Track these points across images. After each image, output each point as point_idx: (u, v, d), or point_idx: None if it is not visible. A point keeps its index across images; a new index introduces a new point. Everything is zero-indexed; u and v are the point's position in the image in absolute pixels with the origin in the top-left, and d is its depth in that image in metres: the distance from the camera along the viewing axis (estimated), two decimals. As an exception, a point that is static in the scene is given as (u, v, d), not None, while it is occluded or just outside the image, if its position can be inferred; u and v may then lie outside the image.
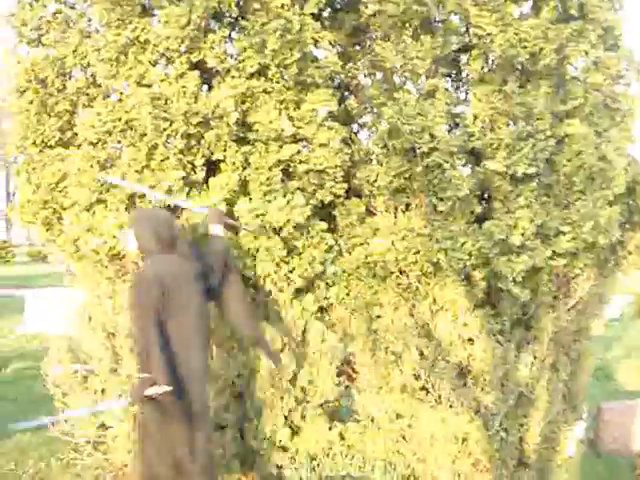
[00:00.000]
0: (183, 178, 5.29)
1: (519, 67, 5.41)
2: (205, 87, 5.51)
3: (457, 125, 5.55)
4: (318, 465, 5.59)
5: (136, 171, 5.29)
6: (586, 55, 5.52)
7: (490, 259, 5.34)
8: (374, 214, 5.69)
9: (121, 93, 5.49)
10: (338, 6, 5.91)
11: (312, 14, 5.42)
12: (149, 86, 5.33)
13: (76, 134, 5.59)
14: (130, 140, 5.33)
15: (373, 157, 5.69)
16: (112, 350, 5.68)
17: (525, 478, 5.76)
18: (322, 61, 5.53)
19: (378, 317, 5.72)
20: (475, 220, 5.45)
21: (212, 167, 5.47)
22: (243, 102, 5.34)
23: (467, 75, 5.68)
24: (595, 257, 5.78)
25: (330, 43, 5.65)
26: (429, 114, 5.23)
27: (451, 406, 5.53)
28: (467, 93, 5.75)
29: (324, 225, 5.68)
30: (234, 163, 5.38)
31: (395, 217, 5.59)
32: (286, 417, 5.63)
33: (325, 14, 5.87)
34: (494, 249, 5.30)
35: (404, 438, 5.67)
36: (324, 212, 5.77)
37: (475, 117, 5.43)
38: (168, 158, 5.28)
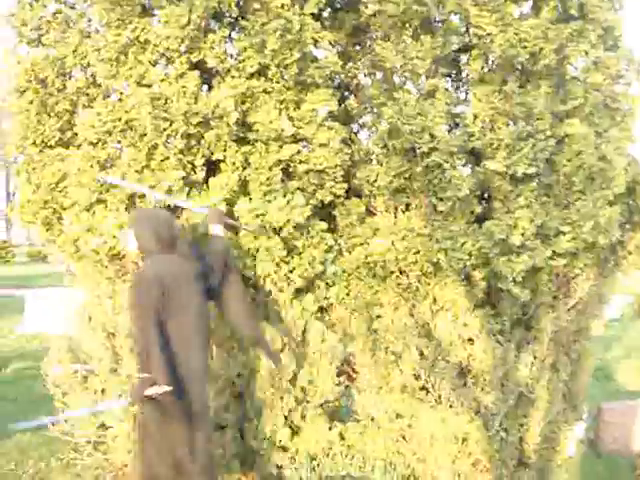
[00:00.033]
0: (183, 178, 5.29)
1: (519, 67, 5.41)
2: (205, 87, 5.51)
3: (457, 125, 5.55)
4: (318, 465, 5.59)
5: (136, 171, 5.29)
6: (586, 55, 5.52)
7: (490, 259, 5.34)
8: (374, 214, 5.70)
9: (121, 93, 5.49)
10: (338, 6, 5.91)
11: (312, 14, 5.42)
12: (149, 86, 5.34)
13: (76, 134, 5.59)
14: (130, 140, 5.33)
15: (373, 157, 5.70)
16: (112, 350, 5.68)
17: (525, 478, 5.76)
18: (322, 61, 5.53)
19: (378, 317, 5.72)
20: (475, 220, 5.45)
21: (212, 167, 5.47)
22: (243, 102, 5.34)
23: (467, 75, 5.68)
24: (595, 257, 5.78)
25: (330, 43, 5.66)
26: (429, 114, 5.23)
27: (451, 406, 5.53)
28: (467, 93, 5.75)
29: (324, 225, 5.69)
30: (234, 163, 5.39)
31: (395, 217, 5.59)
32: (286, 417, 5.63)
33: (325, 14, 5.87)
34: (494, 249, 5.30)
35: (404, 438, 5.67)
36: (324, 212, 5.77)
37: (475, 117, 5.43)
38: (168, 158, 5.28)
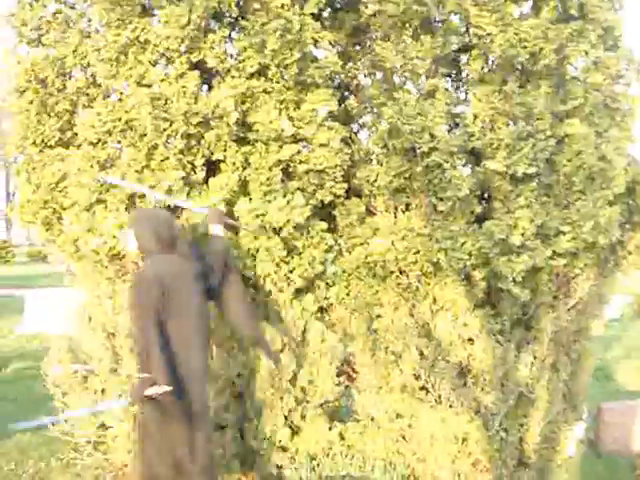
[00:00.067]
0: (183, 178, 5.29)
1: (519, 67, 5.41)
2: (205, 87, 5.51)
3: (457, 125, 5.55)
4: (318, 465, 5.59)
5: (136, 171, 5.29)
6: (586, 55, 5.52)
7: (490, 259, 5.34)
8: (374, 214, 5.70)
9: (121, 93, 5.50)
10: (338, 6, 5.91)
11: (312, 14, 5.42)
12: (149, 86, 5.34)
13: (76, 134, 5.59)
14: (130, 140, 5.33)
15: (373, 157, 5.70)
16: (112, 350, 5.68)
17: (525, 478, 5.76)
18: (322, 61, 5.53)
19: (378, 317, 5.72)
20: (475, 220, 5.45)
21: (212, 167, 5.47)
22: (243, 102, 5.34)
23: (467, 75, 5.68)
24: (595, 257, 5.78)
25: (330, 43, 5.65)
26: (429, 114, 5.23)
27: (451, 406, 5.53)
28: (467, 93, 5.75)
29: (324, 225, 5.69)
30: (234, 163, 5.39)
31: (395, 217, 5.59)
32: (286, 417, 5.63)
33: (325, 14, 5.87)
34: (494, 249, 5.30)
35: (404, 438, 5.67)
36: (324, 212, 5.77)
37: (475, 117, 5.43)
38: (168, 158, 5.28)
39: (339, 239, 5.76)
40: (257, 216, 5.32)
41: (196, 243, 5.14)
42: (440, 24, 5.46)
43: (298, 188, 5.51)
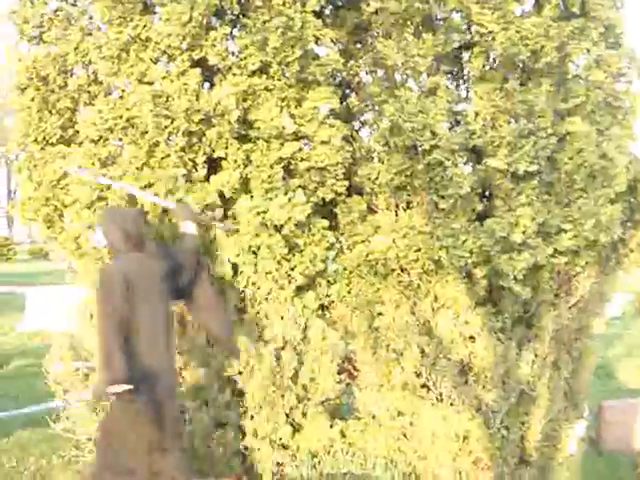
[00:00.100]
0: (184, 176, 5.29)
1: (520, 65, 5.41)
2: (207, 85, 5.51)
3: (458, 123, 5.55)
4: (319, 463, 5.58)
5: (137, 168, 5.30)
6: (588, 53, 5.52)
7: (491, 257, 5.34)
8: (375, 212, 5.69)
9: (122, 91, 5.50)
10: (339, 3, 5.90)
11: (314, 11, 5.41)
12: (150, 84, 5.34)
13: (77, 132, 5.60)
14: (131, 138, 5.34)
15: (374, 155, 5.69)
16: (113, 347, 5.68)
17: (526, 476, 5.76)
18: (323, 59, 5.53)
19: (379, 315, 5.72)
20: (476, 218, 5.44)
21: (213, 165, 5.47)
22: (244, 100, 5.34)
23: (468, 73, 5.68)
24: (596, 255, 5.78)
25: (332, 41, 5.64)
26: (430, 112, 5.22)
27: (452, 404, 5.53)
28: (468, 91, 5.75)
29: (325, 223, 5.68)
30: (235, 161, 5.38)
31: (396, 215, 5.59)
32: (287, 415, 5.62)
33: (327, 11, 5.86)
34: (495, 247, 5.30)
35: (405, 436, 5.67)
36: (325, 210, 5.77)
37: (476, 115, 5.43)
38: (169, 156, 5.29)
39: (340, 237, 5.76)
40: (258, 214, 5.32)
41: (164, 242, 5.15)
42: (442, 22, 5.46)
43: (299, 186, 5.50)
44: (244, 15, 5.38)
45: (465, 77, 5.76)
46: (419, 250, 5.41)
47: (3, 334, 13.94)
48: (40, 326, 13.36)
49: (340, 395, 5.79)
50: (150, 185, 5.24)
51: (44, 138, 5.74)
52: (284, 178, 5.46)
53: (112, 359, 4.42)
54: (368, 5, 5.52)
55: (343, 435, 5.71)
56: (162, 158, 5.29)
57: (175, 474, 4.72)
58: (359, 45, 5.86)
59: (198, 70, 5.30)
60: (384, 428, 5.69)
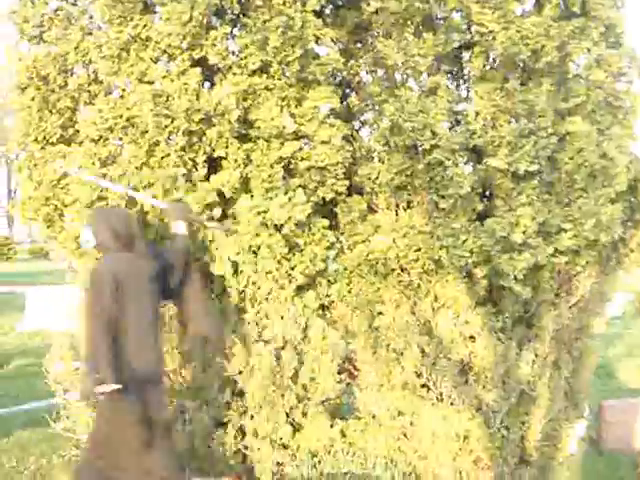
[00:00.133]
0: (184, 175, 5.30)
1: (521, 64, 5.41)
2: (207, 84, 5.51)
3: (459, 122, 5.55)
4: (319, 462, 5.58)
5: (136, 168, 5.30)
6: (588, 52, 5.52)
7: (492, 257, 5.34)
8: (375, 211, 5.69)
9: (123, 90, 5.50)
10: (340, 3, 5.90)
11: (314, 11, 5.41)
12: (151, 83, 5.34)
13: (78, 131, 5.60)
14: (131, 137, 5.34)
15: (374, 154, 5.69)
16: (113, 347, 5.68)
17: (526, 476, 5.76)
18: (324, 58, 5.53)
19: (379, 314, 5.72)
20: (477, 218, 5.44)
21: (213, 164, 5.47)
22: (245, 99, 5.34)
23: (469, 72, 5.68)
24: (597, 255, 5.77)
25: (332, 40, 5.64)
26: (431, 111, 5.22)
27: (452, 403, 5.52)
28: (469, 90, 5.75)
29: (325, 222, 5.68)
30: (236, 160, 5.38)
31: (396, 214, 5.58)
32: (287, 414, 5.62)
33: (327, 11, 5.86)
34: (496, 247, 5.30)
35: (405, 435, 5.67)
36: (325, 209, 5.76)
37: (477, 114, 5.42)
38: (169, 155, 5.29)
39: (340, 236, 5.75)
40: (258, 213, 5.32)
41: (152, 242, 5.15)
42: (442, 21, 5.46)
43: (299, 185, 5.50)
44: (244, 14, 5.38)
45: (465, 77, 5.76)
46: (419, 250, 5.41)
47: (3, 334, 13.94)
48: (40, 326, 13.35)
49: (340, 395, 5.79)
50: (150, 185, 5.24)
51: (44, 137, 5.74)
52: (284, 178, 5.46)
53: (100, 359, 4.42)
54: (368, 5, 5.51)
55: (343, 435, 5.71)
56: (162, 157, 5.29)
57: (164, 474, 4.73)
58: (359, 45, 5.86)
59: (198, 69, 5.30)
60: (384, 428, 5.68)
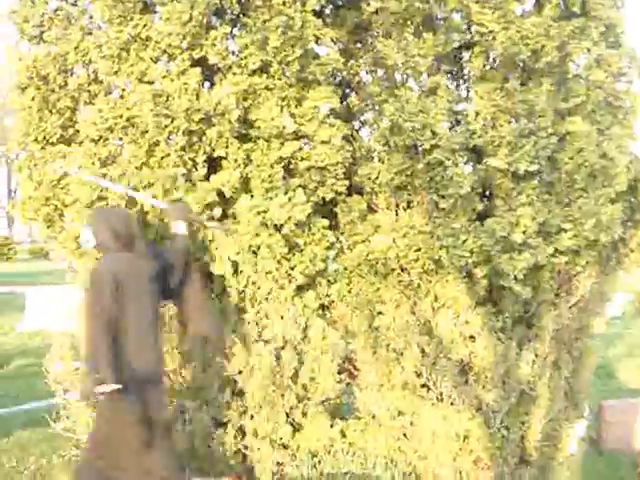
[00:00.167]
0: (184, 175, 5.30)
1: (521, 64, 5.41)
2: (207, 84, 5.51)
3: (459, 122, 5.55)
4: (319, 462, 5.58)
5: (136, 167, 5.30)
6: (588, 52, 5.52)
7: (492, 257, 5.34)
8: (375, 211, 5.69)
9: (123, 90, 5.50)
10: (340, 3, 5.90)
11: (314, 11, 5.42)
12: (151, 83, 5.34)
13: (78, 131, 5.60)
14: (131, 137, 5.34)
15: (374, 154, 5.69)
16: (113, 347, 5.68)
17: (526, 476, 5.76)
18: (324, 58, 5.53)
19: (379, 314, 5.72)
20: (477, 217, 5.44)
21: (213, 164, 5.47)
22: (245, 99, 5.34)
23: (469, 72, 5.68)
24: (597, 255, 5.77)
25: (332, 40, 5.64)
26: (431, 111, 5.22)
27: (452, 403, 5.52)
28: (469, 90, 5.75)
29: (325, 222, 5.68)
30: (236, 160, 5.38)
31: (396, 214, 5.58)
32: (287, 414, 5.62)
33: (327, 11, 5.86)
34: (496, 247, 5.30)
35: (405, 435, 5.67)
36: (325, 209, 5.77)
37: (477, 114, 5.42)
38: (169, 155, 5.29)
39: (340, 236, 5.76)
40: (258, 213, 5.32)
41: (152, 242, 5.15)
42: (442, 21, 5.46)
43: (299, 185, 5.50)
44: (244, 14, 5.38)
45: (465, 77, 5.76)
46: (419, 250, 5.41)
47: (3, 334, 13.93)
48: (40, 326, 13.34)
49: (340, 395, 5.79)
50: (150, 185, 5.24)
51: (44, 137, 5.74)
52: (284, 177, 5.46)
53: (100, 359, 4.42)
54: (368, 5, 5.51)
55: (343, 435, 5.71)
56: (162, 157, 5.29)
57: (164, 474, 4.73)
58: (359, 45, 5.86)
59: (198, 69, 5.30)
60: (384, 428, 5.68)
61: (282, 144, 5.41)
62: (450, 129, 5.48)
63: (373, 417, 5.74)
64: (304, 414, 5.66)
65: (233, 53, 5.43)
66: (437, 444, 5.53)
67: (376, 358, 5.73)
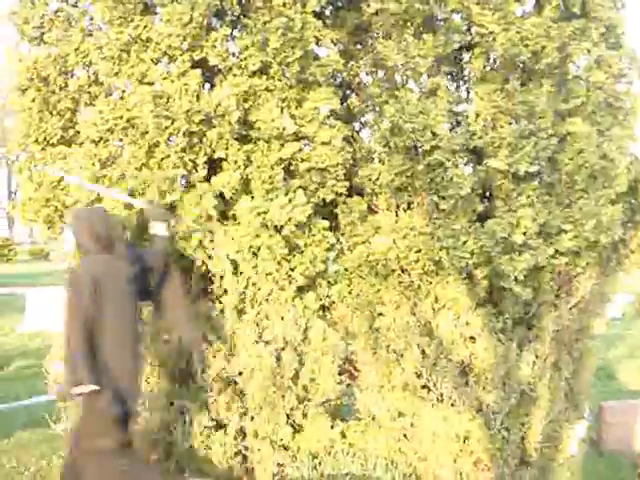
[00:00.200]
0: (184, 176, 5.30)
1: (521, 65, 5.42)
2: (207, 85, 5.51)
3: (459, 123, 5.55)
4: (320, 463, 5.58)
5: (136, 168, 5.30)
6: (588, 53, 5.52)
7: (492, 258, 5.34)
8: (376, 212, 5.69)
9: (123, 91, 5.50)
10: (340, 4, 5.91)
11: (314, 12, 5.42)
12: (151, 84, 5.34)
13: (78, 132, 5.61)
14: (132, 138, 5.34)
15: (375, 155, 5.69)
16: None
17: (527, 477, 5.76)
18: (324, 59, 5.53)
19: (380, 315, 5.72)
20: (477, 219, 5.44)
21: (214, 165, 5.47)
22: (245, 100, 5.34)
23: (469, 73, 5.68)
24: (597, 256, 5.78)
25: (332, 41, 5.65)
26: (431, 112, 5.22)
27: (453, 404, 5.52)
28: (469, 91, 5.75)
29: (326, 223, 5.68)
30: (236, 161, 5.38)
31: (397, 215, 5.59)
32: (288, 415, 5.62)
33: (327, 12, 5.87)
34: (496, 248, 5.30)
35: (406, 436, 5.67)
36: (326, 210, 5.77)
37: (477, 115, 5.43)
38: (169, 156, 5.29)
39: (341, 237, 5.76)
40: (259, 214, 5.32)
41: (132, 244, 5.15)
42: (442, 22, 5.46)
43: (300, 186, 5.50)
44: (244, 16, 5.38)
45: (466, 78, 5.76)
46: (420, 251, 5.41)
47: (3, 335, 13.93)
48: (40, 327, 13.34)
49: (341, 396, 5.79)
50: (149, 186, 5.24)
51: (45, 139, 5.75)
52: (284, 179, 5.46)
53: (77, 360, 4.42)
54: (368, 6, 5.52)
55: (344, 436, 5.71)
56: (162, 159, 5.29)
57: (142, 474, 4.74)
58: (359, 46, 5.86)
59: (198, 71, 5.30)
60: (385, 429, 5.68)
61: (282, 145, 5.41)
62: (450, 130, 5.48)
63: (373, 418, 5.74)
64: (304, 415, 5.66)
65: (233, 54, 5.43)
66: (437, 445, 5.53)
67: (376, 359, 5.73)
